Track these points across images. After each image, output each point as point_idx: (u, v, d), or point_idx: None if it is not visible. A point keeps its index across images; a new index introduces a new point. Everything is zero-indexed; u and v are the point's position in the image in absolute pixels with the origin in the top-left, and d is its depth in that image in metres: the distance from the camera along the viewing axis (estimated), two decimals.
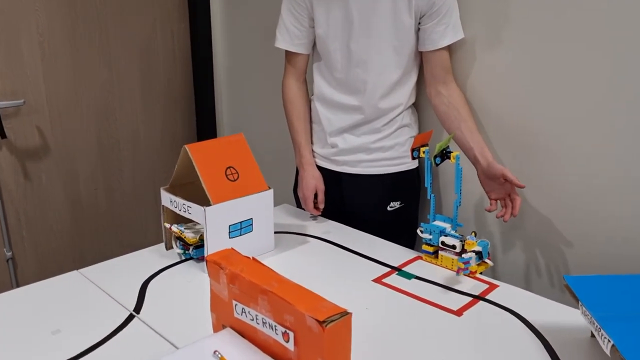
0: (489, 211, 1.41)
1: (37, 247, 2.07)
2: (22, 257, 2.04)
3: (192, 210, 1.31)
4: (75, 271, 1.31)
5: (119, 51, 2.12)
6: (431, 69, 1.54)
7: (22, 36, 1.89)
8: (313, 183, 1.61)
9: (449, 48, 1.51)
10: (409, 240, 1.60)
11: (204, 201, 1.29)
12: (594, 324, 0.89)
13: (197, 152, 1.33)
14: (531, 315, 1.12)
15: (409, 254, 1.40)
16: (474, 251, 1.26)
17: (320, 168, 1.66)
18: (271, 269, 0.76)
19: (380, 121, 1.58)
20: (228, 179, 1.35)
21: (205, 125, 2.40)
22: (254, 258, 0.80)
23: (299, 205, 1.70)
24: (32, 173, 2.00)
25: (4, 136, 1.88)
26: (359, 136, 1.61)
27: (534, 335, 1.06)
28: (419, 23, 1.49)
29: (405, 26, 1.48)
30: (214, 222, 1.29)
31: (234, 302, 0.80)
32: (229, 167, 1.36)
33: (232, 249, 0.82)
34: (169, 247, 1.44)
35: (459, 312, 1.14)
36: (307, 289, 0.76)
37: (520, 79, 1.47)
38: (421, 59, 1.56)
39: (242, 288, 0.74)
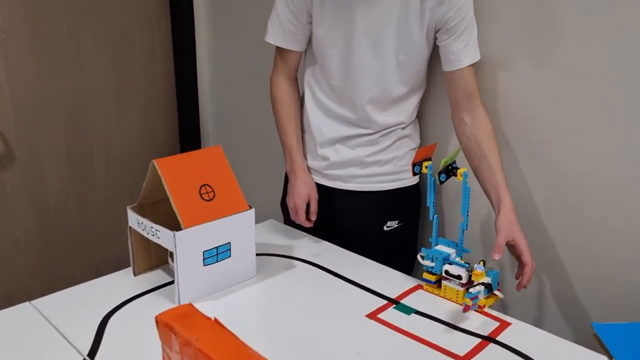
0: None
1: (2, 260, 1.90)
2: None
3: (161, 235, 1.15)
4: (27, 303, 1.15)
5: (90, 48, 1.94)
6: (453, 92, 1.35)
7: None
8: (305, 191, 1.43)
9: (471, 70, 1.32)
10: (407, 263, 1.44)
11: (177, 223, 1.13)
12: None
13: (167, 168, 1.16)
14: None
15: (409, 282, 1.25)
16: (482, 283, 1.10)
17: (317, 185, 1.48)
18: (234, 336, 0.61)
19: (377, 133, 1.42)
20: (202, 198, 1.18)
21: (188, 130, 2.23)
22: (215, 319, 0.65)
23: (287, 218, 1.53)
24: None
25: None
26: (352, 148, 1.44)
27: None
28: (437, 39, 1.33)
29: (414, 41, 1.31)
30: (185, 248, 1.13)
31: None
32: (204, 185, 1.19)
33: (190, 305, 0.66)
34: (137, 272, 1.27)
35: (466, 359, 0.98)
36: None
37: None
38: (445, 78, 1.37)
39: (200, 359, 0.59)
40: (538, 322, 1.41)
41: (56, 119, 1.92)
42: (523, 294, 1.42)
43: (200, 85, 2.21)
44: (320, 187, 1.47)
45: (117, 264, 1.30)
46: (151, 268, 1.30)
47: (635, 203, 1.22)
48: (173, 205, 1.14)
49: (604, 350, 0.79)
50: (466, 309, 1.08)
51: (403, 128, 1.44)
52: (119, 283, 1.23)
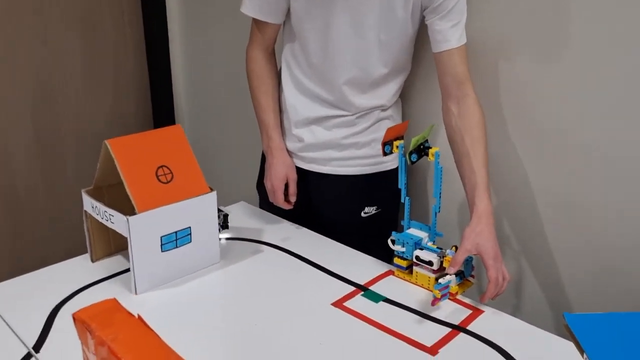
0: None
1: None
2: None
3: (115, 220, 1.08)
4: None
5: (57, 25, 1.85)
6: (441, 77, 1.25)
7: None
8: (283, 171, 1.36)
9: (461, 53, 1.21)
10: (385, 251, 1.37)
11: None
12: None
13: (121, 149, 1.10)
14: (522, 352, 0.91)
15: (380, 267, 1.19)
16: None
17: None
18: (156, 336, 0.54)
19: (355, 115, 1.33)
20: (159, 180, 1.11)
21: (162, 109, 2.15)
22: (139, 316, 0.58)
23: (263, 201, 1.47)
24: None
25: None
26: (329, 129, 1.36)
27: None
28: (425, 18, 1.24)
29: (398, 20, 1.23)
30: (140, 234, 1.07)
31: None
32: (161, 167, 1.13)
33: (114, 300, 0.60)
34: (95, 258, 1.21)
35: (433, 350, 0.92)
36: None
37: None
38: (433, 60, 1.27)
39: None
40: (516, 310, 1.36)
41: (22, 101, 1.84)
42: None
43: (173, 62, 2.12)
44: (296, 171, 1.40)
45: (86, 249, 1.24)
46: (110, 254, 1.24)
47: (623, 190, 1.16)
48: (127, 188, 1.07)
49: (574, 341, 0.74)
50: (434, 302, 1.01)
51: (383, 110, 1.36)
52: (76, 270, 1.17)
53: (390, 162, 1.37)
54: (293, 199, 1.37)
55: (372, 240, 1.34)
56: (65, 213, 2.01)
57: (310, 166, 1.40)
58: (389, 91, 1.33)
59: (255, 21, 1.36)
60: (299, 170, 1.40)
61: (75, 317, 0.58)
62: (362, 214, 1.38)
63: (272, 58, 1.41)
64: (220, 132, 2.07)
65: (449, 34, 1.20)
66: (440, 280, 1.02)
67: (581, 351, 0.71)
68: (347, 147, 1.36)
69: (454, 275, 1.04)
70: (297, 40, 1.32)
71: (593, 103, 1.15)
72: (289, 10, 1.31)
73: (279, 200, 1.36)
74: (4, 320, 1.00)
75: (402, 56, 1.30)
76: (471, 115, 1.20)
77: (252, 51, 1.39)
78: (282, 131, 1.41)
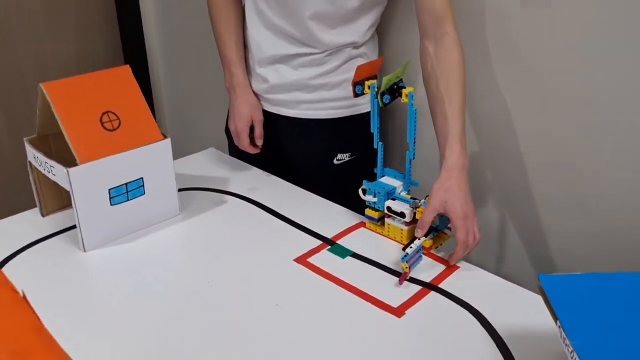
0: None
1: None
2: None
3: (56, 171, 0.99)
4: None
5: None
6: (419, 13, 1.11)
7: None
8: (247, 111, 1.25)
9: None
10: (362, 202, 1.26)
11: None
12: (568, 347, 0.61)
13: (59, 93, 0.99)
14: (497, 313, 0.83)
15: (351, 219, 1.10)
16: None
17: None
18: (36, 319, 0.46)
19: (324, 52, 1.20)
20: (105, 127, 1.01)
21: (132, 49, 2.01)
22: (24, 295, 0.50)
23: (232, 146, 1.36)
24: None
25: None
26: (295, 69, 1.23)
27: (494, 345, 0.78)
28: None
29: None
30: (84, 187, 0.98)
31: None
32: (107, 112, 1.02)
33: (1, 273, 0.51)
34: (45, 212, 1.13)
35: (399, 311, 0.84)
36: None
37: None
38: None
39: None
40: (499, 263, 1.28)
41: None
42: (485, 230, 1.27)
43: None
44: (262, 113, 1.29)
45: None
46: (63, 207, 1.15)
47: (614, 138, 1.05)
48: (66, 137, 0.97)
49: (548, 306, 0.66)
50: (402, 279, 0.90)
51: (355, 47, 1.23)
52: (24, 225, 1.09)
53: (364, 105, 1.25)
54: (259, 142, 1.27)
55: (348, 190, 1.18)
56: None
57: (278, 109, 1.28)
58: (361, 27, 1.19)
59: None
60: (267, 114, 1.29)
61: None
62: (335, 161, 1.28)
63: None
64: (195, 71, 1.94)
65: None
66: (407, 251, 0.91)
67: (555, 317, 0.63)
68: (316, 89, 1.23)
69: (421, 241, 0.94)
70: None
71: (586, 47, 1.02)
72: None
73: (244, 143, 1.26)
74: None
75: None
76: (449, 57, 1.07)
77: None
78: (246, 70, 1.29)
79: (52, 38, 1.84)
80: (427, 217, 0.95)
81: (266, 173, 1.29)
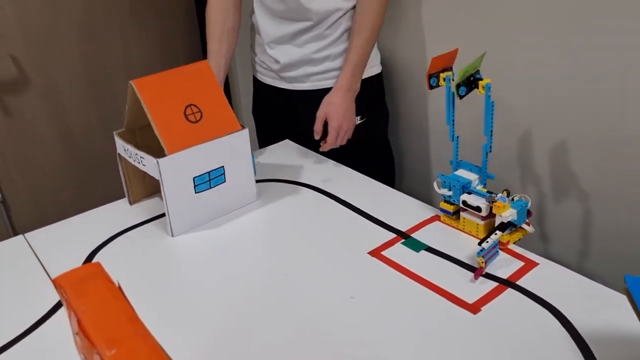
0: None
1: (31, 188, 1.88)
2: (15, 200, 1.86)
3: (146, 162, 1.05)
4: (20, 236, 1.10)
5: None
6: None
7: None
8: None
9: None
10: (375, 161, 1.39)
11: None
12: None
13: (147, 89, 1.04)
14: (578, 312, 0.81)
15: (425, 212, 1.09)
16: (500, 226, 0.93)
17: (270, 87, 1.45)
18: (130, 310, 0.49)
19: (322, 25, 1.31)
20: (188, 120, 1.06)
21: None
22: (119, 285, 0.54)
23: (259, 130, 1.59)
24: (12, 109, 1.76)
25: None
26: (300, 46, 1.35)
27: (575, 346, 0.75)
28: None
29: None
30: (172, 176, 1.03)
31: (81, 356, 0.54)
32: (190, 105, 1.07)
33: (97, 265, 0.55)
34: (132, 200, 1.20)
35: (475, 307, 0.83)
36: (164, 353, 0.48)
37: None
38: None
39: (81, 337, 0.49)
40: (582, 259, 1.23)
41: (68, 39, 1.81)
42: (567, 224, 1.23)
43: None
44: (280, 91, 1.43)
45: None
46: (148, 195, 1.22)
47: None
48: (155, 129, 1.02)
49: (634, 309, 0.63)
50: (477, 274, 0.89)
51: (348, 18, 1.32)
52: (115, 214, 1.16)
53: (367, 70, 1.35)
54: None
55: (362, 151, 1.37)
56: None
57: (292, 85, 1.41)
58: None
59: None
60: (284, 91, 1.42)
61: (56, 283, 0.54)
62: None
63: None
64: None
65: None
66: (483, 245, 0.90)
67: None
68: (321, 61, 1.36)
69: (498, 235, 0.92)
70: None
71: None
72: None
73: None
74: (42, 266, 1.01)
75: None
76: (363, 1, 1.25)
77: None
78: (261, 51, 1.43)
79: (138, 39, 1.94)
80: (316, 126, 1.26)
81: (337, 163, 1.31)
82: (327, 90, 1.33)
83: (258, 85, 1.52)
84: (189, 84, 1.08)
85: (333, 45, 1.34)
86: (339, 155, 1.32)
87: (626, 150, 1.11)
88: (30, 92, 1.79)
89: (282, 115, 1.47)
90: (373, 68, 1.41)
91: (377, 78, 1.44)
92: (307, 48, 1.35)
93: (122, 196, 1.21)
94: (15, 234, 1.86)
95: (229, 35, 1.36)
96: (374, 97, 1.44)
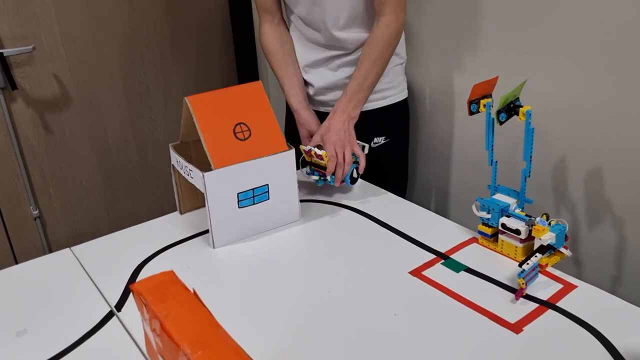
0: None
1: (67, 204, 1.93)
2: (51, 215, 1.91)
3: (194, 175, 1.09)
4: (67, 249, 1.14)
5: None
6: None
7: None
8: (303, 130, 1.39)
9: None
10: (396, 180, 1.44)
11: None
12: None
13: (200, 105, 1.09)
14: (618, 334, 0.83)
15: (463, 235, 1.12)
16: (540, 249, 0.96)
17: (317, 113, 1.47)
18: (208, 313, 0.52)
19: (356, 52, 1.38)
20: (237, 137, 1.10)
21: (246, 63, 2.14)
22: (194, 291, 0.57)
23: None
24: (53, 126, 1.83)
25: (14, 87, 1.71)
26: (335, 70, 1.41)
27: None
28: None
29: None
30: (216, 190, 1.07)
31: (160, 358, 0.57)
32: (240, 124, 1.11)
33: (171, 273, 0.59)
34: (183, 210, 1.24)
35: (517, 327, 0.86)
36: (247, 356, 0.51)
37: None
38: None
39: (163, 340, 0.52)
40: (615, 285, 1.24)
41: (110, 59, 1.88)
42: (601, 250, 1.26)
43: (255, 15, 2.09)
44: (315, 114, 1.42)
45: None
46: (198, 206, 1.26)
47: None
48: (204, 144, 1.07)
49: None
50: (518, 295, 0.92)
51: None
52: (163, 228, 1.20)
53: (396, 95, 1.45)
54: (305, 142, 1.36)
55: (385, 171, 1.44)
56: (156, 169, 2.08)
57: (325, 109, 1.46)
58: (372, 19, 1.33)
59: None
60: (317, 114, 1.43)
61: (133, 289, 0.58)
62: (372, 144, 1.45)
63: (281, 26, 1.43)
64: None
65: None
66: (524, 267, 0.92)
67: None
68: None
69: (538, 258, 0.94)
70: None
71: None
72: None
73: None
74: (91, 279, 1.04)
75: None
76: (380, 32, 1.29)
77: (260, 29, 1.43)
78: None
79: (174, 57, 2.01)
80: (311, 144, 1.27)
81: (375, 187, 1.34)
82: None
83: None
84: (241, 103, 1.12)
85: None
86: (371, 173, 1.35)
87: None
88: (71, 110, 1.86)
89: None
90: (400, 94, 1.48)
91: (403, 103, 1.50)
92: (341, 72, 1.41)
93: (154, 214, 1.25)
94: (50, 249, 1.92)
95: (291, 57, 1.41)
96: (399, 120, 1.50)
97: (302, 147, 1.30)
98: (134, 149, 2.02)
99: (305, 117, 1.37)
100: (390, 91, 1.44)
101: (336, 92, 1.42)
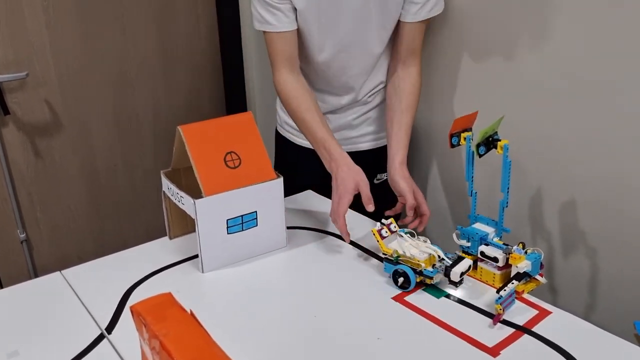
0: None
1: (54, 228, 1.95)
2: (37, 239, 1.92)
3: (185, 201, 1.13)
4: (57, 273, 1.16)
5: (133, 12, 1.91)
6: (397, 43, 1.36)
7: (24, 0, 1.71)
8: (351, 182, 1.22)
9: (421, 28, 1.34)
10: (396, 216, 1.44)
11: None
12: None
13: (192, 134, 1.13)
14: (590, 359, 0.87)
15: None
16: (516, 276, 1.00)
17: (300, 147, 1.53)
18: (206, 334, 0.56)
19: (365, 95, 1.45)
20: (227, 165, 1.14)
21: (235, 93, 2.19)
22: (191, 312, 0.60)
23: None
24: (43, 151, 1.86)
25: (7, 112, 1.73)
26: (342, 113, 1.48)
27: None
28: None
29: (393, 14, 1.31)
30: (206, 216, 1.11)
31: None
32: (230, 152, 1.15)
33: (169, 295, 0.62)
34: (172, 235, 1.27)
35: (494, 351, 0.90)
36: None
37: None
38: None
39: (162, 358, 0.55)
40: (589, 311, 1.29)
41: (101, 86, 1.92)
42: (575, 278, 1.31)
43: (245, 50, 2.15)
44: (313, 152, 1.34)
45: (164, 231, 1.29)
46: (187, 232, 1.29)
47: None
48: (195, 172, 1.11)
49: None
50: (496, 320, 0.96)
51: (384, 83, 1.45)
52: (153, 252, 1.22)
53: None
54: (370, 207, 1.21)
55: (386, 204, 1.35)
56: (143, 194, 2.11)
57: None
58: (383, 65, 1.42)
59: (272, 41, 1.32)
60: (315, 153, 1.38)
61: (133, 310, 0.61)
62: (375, 181, 1.48)
63: (300, 76, 1.37)
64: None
65: (423, 7, 1.29)
66: (501, 293, 0.97)
67: None
68: (359, 125, 1.48)
69: (514, 285, 0.99)
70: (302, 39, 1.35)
71: None
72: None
73: (342, 227, 1.22)
74: (81, 301, 1.06)
75: (392, 31, 1.36)
76: (412, 84, 1.36)
77: (278, 77, 1.35)
78: None
79: (164, 85, 2.05)
80: (410, 201, 1.25)
81: (359, 214, 1.38)
82: (360, 153, 1.47)
83: (283, 142, 1.58)
84: (231, 132, 1.17)
85: (373, 111, 1.45)
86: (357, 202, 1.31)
87: (627, 207, 1.19)
88: (61, 135, 1.88)
89: (308, 171, 1.46)
90: None
91: None
92: (348, 114, 1.46)
93: (141, 239, 1.28)
94: (36, 273, 1.92)
95: (317, 105, 1.36)
96: None
97: (376, 231, 1.12)
98: (123, 174, 2.04)
99: (354, 165, 1.26)
100: None
101: (340, 132, 1.47)
